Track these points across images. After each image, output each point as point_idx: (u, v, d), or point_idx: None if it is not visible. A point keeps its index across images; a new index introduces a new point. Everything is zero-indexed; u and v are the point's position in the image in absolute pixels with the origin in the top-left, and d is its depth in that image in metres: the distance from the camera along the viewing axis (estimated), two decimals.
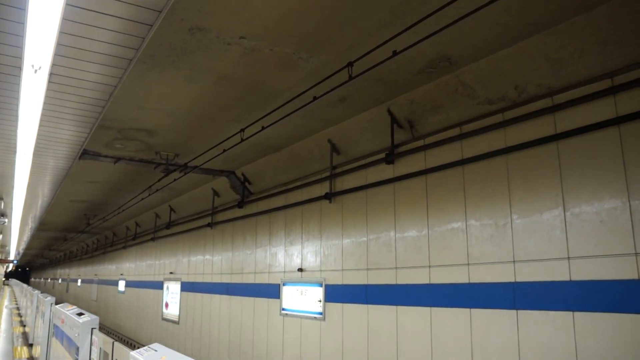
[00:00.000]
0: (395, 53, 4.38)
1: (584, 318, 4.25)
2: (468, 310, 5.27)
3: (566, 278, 4.42)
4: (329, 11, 4.25)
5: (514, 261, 4.90)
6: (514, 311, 4.81)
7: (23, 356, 11.78)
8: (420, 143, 6.14)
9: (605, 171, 4.28)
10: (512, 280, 4.88)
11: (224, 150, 7.66)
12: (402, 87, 5.77)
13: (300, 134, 7.69)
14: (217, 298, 11.39)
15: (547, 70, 4.68)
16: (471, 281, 5.30)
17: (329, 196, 7.55)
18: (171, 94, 6.19)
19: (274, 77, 5.64)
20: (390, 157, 6.39)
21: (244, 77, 5.63)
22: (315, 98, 5.48)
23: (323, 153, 7.74)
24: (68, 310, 7.33)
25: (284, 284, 8.64)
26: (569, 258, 4.43)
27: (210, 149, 8.14)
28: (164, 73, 5.53)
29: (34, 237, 29.41)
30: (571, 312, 4.33)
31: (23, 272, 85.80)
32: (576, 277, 4.36)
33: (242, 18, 4.36)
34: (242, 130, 6.98)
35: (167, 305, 14.80)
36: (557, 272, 4.50)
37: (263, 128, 6.54)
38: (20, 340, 14.43)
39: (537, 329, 4.59)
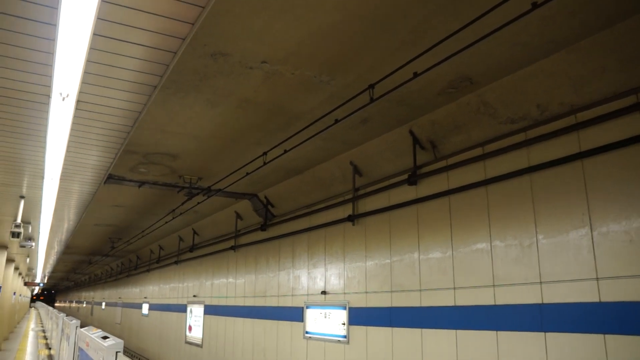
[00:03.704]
0: (415, 75, 4.40)
1: (616, 341, 4.13)
2: (495, 332, 5.17)
3: (595, 299, 4.32)
4: (349, 34, 4.29)
5: (540, 282, 4.81)
6: (542, 333, 4.70)
7: None
8: (442, 164, 6.11)
9: (633, 189, 4.20)
10: (539, 301, 4.78)
11: (247, 174, 7.71)
12: (424, 108, 5.77)
13: (322, 156, 7.72)
14: (240, 321, 11.36)
15: (569, 88, 4.64)
16: (497, 303, 5.21)
17: (352, 218, 7.53)
18: (194, 118, 6.28)
19: (295, 100, 5.69)
20: (413, 178, 6.37)
21: (266, 100, 5.69)
22: (336, 120, 5.51)
23: (345, 175, 7.74)
24: (93, 334, 7.37)
25: (307, 307, 8.59)
26: (597, 279, 4.34)
27: (233, 172, 8.21)
28: (187, 98, 5.62)
29: (59, 261, 29.81)
30: (602, 335, 4.22)
31: (49, 295, 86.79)
32: (606, 298, 4.25)
33: (263, 43, 4.43)
34: (265, 153, 7.03)
35: (190, 328, 14.80)
36: (586, 293, 4.40)
37: (285, 151, 6.58)
38: None
39: (567, 352, 4.47)
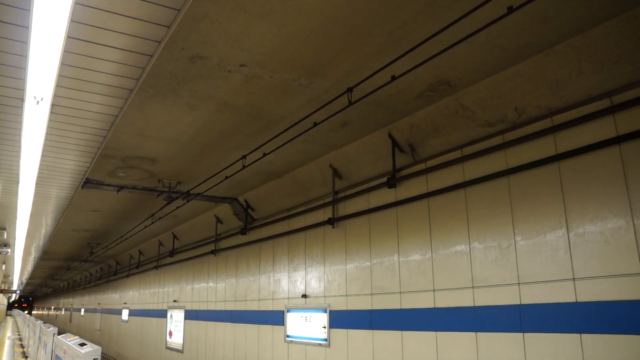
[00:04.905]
0: (393, 78, 4.41)
1: (591, 340, 4.19)
2: (474, 334, 5.20)
3: (572, 299, 4.37)
4: (328, 38, 4.29)
5: (518, 283, 4.85)
6: (521, 334, 4.74)
7: None
8: (421, 166, 6.14)
9: (607, 190, 4.27)
10: (518, 302, 4.83)
11: (226, 177, 7.67)
12: (402, 111, 5.80)
13: (302, 160, 7.71)
14: (221, 326, 11.29)
15: (546, 91, 4.70)
16: (476, 304, 5.24)
17: (331, 221, 7.53)
18: (173, 122, 6.22)
19: (274, 104, 5.67)
20: (392, 181, 6.39)
21: (245, 104, 5.66)
22: (315, 124, 5.51)
23: (325, 178, 7.74)
24: (70, 341, 7.27)
25: (288, 311, 8.56)
26: (574, 279, 4.39)
27: (212, 176, 8.16)
28: (165, 101, 5.57)
29: (37, 267, 29.34)
30: (578, 334, 4.27)
31: (26, 302, 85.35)
32: (582, 298, 4.31)
33: (242, 46, 4.41)
34: (244, 156, 7.00)
35: (170, 333, 14.66)
36: (563, 294, 4.45)
37: (264, 154, 6.56)
38: None
39: (545, 351, 4.52)
